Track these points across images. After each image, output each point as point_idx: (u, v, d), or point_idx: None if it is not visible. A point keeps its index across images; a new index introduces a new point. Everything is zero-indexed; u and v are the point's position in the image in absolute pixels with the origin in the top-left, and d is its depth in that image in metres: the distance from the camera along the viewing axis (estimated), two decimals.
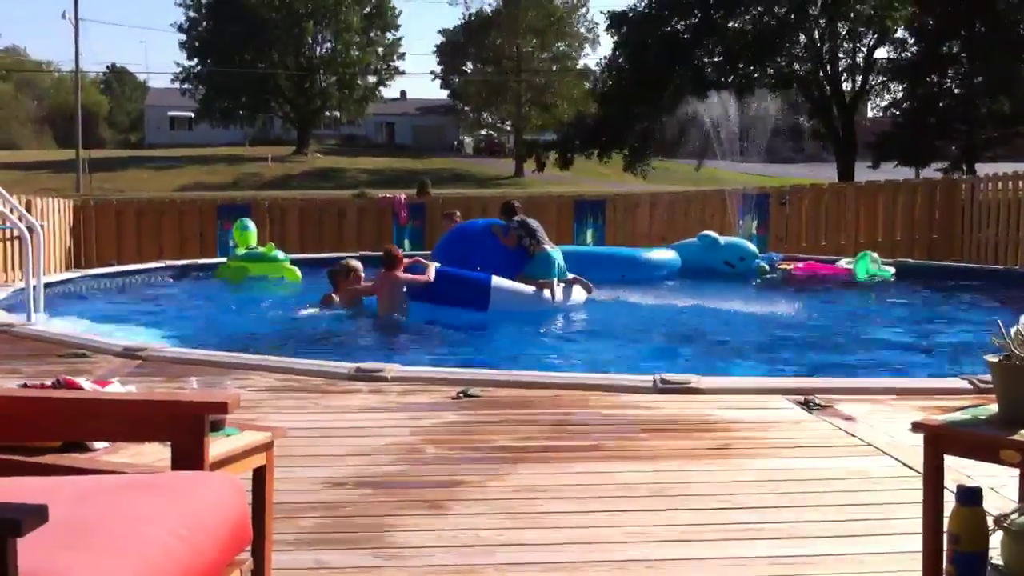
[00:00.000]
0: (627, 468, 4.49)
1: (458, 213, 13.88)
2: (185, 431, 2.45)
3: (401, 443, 4.89)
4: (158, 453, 2.73)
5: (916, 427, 3.22)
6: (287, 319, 10.80)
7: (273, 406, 5.66)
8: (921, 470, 4.04)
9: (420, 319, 10.28)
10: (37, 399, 2.48)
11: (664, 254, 15.04)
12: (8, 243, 14.58)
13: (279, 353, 8.35)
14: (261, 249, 14.55)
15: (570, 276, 11.59)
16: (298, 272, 14.07)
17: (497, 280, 10.63)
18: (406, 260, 10.78)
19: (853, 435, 5.06)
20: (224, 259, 14.99)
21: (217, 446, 2.71)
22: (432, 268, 10.44)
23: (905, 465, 4.49)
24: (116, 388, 2.85)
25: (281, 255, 14.41)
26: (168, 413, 2.46)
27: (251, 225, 15.17)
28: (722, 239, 15.56)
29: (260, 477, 2.96)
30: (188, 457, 2.46)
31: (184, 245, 17.91)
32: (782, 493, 4.16)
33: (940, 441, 3.11)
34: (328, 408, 5.67)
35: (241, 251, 14.61)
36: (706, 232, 15.82)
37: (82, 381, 2.80)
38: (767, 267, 15.19)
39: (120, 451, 2.74)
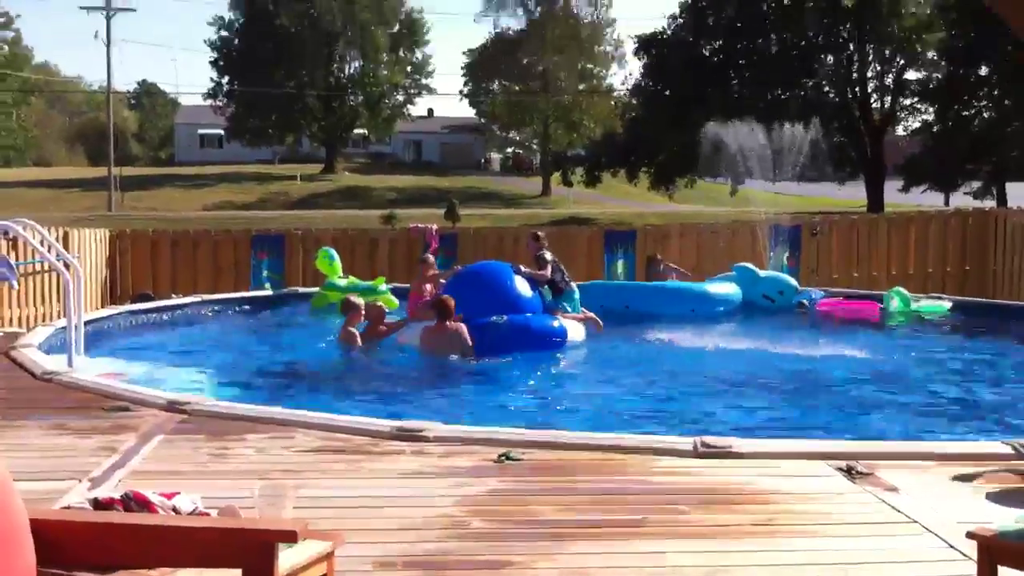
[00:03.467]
0: (673, 548, 4.52)
1: (431, 258, 13.76)
2: (256, 559, 2.52)
3: (447, 516, 4.93)
4: (224, 569, 2.78)
5: (970, 536, 3.25)
6: (330, 357, 11.01)
7: (318, 470, 5.72)
8: (968, 553, 4.09)
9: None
10: (110, 525, 2.54)
11: (727, 288, 14.81)
12: (44, 276, 14.74)
13: (324, 393, 8.62)
14: (370, 283, 15.08)
15: (584, 312, 12.36)
16: (396, 301, 14.39)
17: (564, 321, 11.60)
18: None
19: (897, 510, 5.06)
20: (316, 289, 15.50)
21: (283, 559, 2.77)
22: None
23: (951, 547, 4.49)
24: (183, 500, 2.91)
25: (384, 287, 14.87)
26: (239, 541, 2.52)
27: (335, 255, 15.65)
28: (761, 272, 15.42)
29: None
30: None
31: (219, 276, 18.08)
32: None
33: (993, 553, 3.14)
34: (372, 473, 5.72)
35: (338, 280, 15.09)
36: (743, 264, 15.60)
37: (150, 494, 2.86)
38: (807, 303, 15.07)
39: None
